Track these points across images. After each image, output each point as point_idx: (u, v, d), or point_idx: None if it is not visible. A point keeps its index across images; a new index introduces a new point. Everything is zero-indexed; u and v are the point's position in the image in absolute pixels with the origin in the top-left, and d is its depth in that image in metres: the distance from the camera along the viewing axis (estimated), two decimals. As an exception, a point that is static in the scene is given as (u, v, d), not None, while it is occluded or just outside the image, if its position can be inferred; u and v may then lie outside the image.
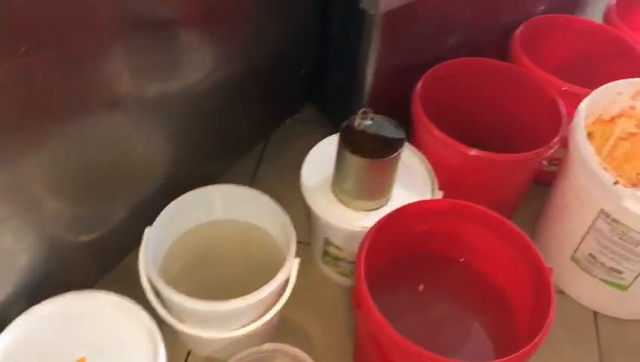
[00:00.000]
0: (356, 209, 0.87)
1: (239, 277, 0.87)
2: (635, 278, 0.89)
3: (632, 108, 1.00)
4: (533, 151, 0.89)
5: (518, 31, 1.10)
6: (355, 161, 0.81)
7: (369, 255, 0.74)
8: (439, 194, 0.89)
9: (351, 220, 0.85)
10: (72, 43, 0.64)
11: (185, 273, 0.86)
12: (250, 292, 0.74)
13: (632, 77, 0.99)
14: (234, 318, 0.77)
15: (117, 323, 0.73)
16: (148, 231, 0.80)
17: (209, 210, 0.88)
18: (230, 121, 1.01)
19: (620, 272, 0.90)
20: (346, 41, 0.99)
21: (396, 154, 0.81)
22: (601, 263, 0.91)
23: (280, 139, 1.18)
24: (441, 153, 0.92)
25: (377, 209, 0.87)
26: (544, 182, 1.05)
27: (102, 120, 0.74)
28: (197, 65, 0.86)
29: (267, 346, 0.78)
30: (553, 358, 0.92)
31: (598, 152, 1.03)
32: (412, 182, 0.91)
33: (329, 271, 0.97)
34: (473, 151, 0.89)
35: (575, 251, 0.94)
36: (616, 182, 0.81)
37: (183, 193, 0.85)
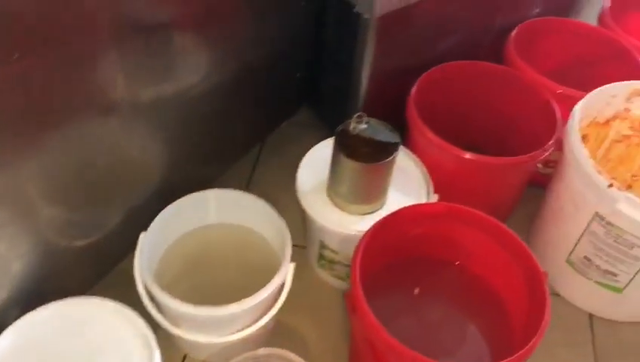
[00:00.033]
0: (351, 213, 0.87)
1: (235, 282, 0.88)
2: (630, 281, 0.89)
3: (627, 110, 1.00)
4: (528, 155, 0.89)
5: (513, 34, 1.10)
6: (350, 165, 0.81)
7: (364, 259, 0.74)
8: (434, 198, 0.90)
9: (346, 224, 0.85)
10: (66, 48, 0.64)
11: (180, 277, 0.86)
12: (246, 297, 0.74)
13: (627, 79, 0.99)
14: (229, 323, 0.77)
15: (112, 328, 0.73)
16: (143, 236, 0.80)
17: (204, 214, 0.88)
18: (226, 125, 1.01)
19: (615, 275, 0.90)
20: (341, 44, 0.99)
21: (391, 158, 0.81)
22: (596, 266, 0.91)
23: (276, 142, 1.18)
24: (437, 156, 0.93)
25: (373, 213, 0.87)
26: (540, 185, 1.05)
27: (97, 124, 0.74)
28: (192, 68, 0.86)
29: (262, 350, 0.78)
30: (549, 361, 0.92)
31: (593, 155, 1.03)
32: (407, 185, 0.91)
33: (325, 275, 0.97)
34: (468, 155, 0.89)
35: (570, 254, 0.94)
36: (610, 185, 0.81)
37: (179, 197, 0.85)
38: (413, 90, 0.97)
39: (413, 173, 0.93)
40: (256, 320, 0.78)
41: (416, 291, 0.86)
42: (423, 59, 1.01)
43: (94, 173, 0.79)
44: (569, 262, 0.95)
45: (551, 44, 1.17)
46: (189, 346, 0.86)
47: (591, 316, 0.99)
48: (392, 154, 0.81)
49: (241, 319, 0.77)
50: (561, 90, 1.00)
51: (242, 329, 0.78)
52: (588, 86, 0.96)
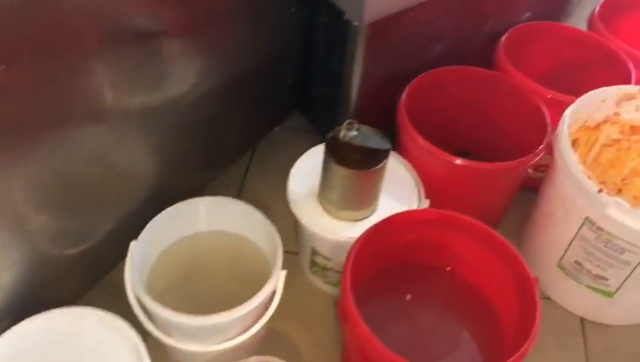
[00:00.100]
0: (343, 219, 0.87)
1: (226, 289, 0.87)
2: (621, 285, 0.90)
3: (617, 114, 1.01)
4: (518, 160, 0.90)
5: (502, 39, 1.10)
6: (340, 172, 0.81)
7: (355, 266, 0.74)
8: (426, 203, 0.90)
9: (338, 231, 0.85)
10: (55, 57, 0.64)
11: (172, 286, 0.86)
12: (238, 304, 0.73)
13: (617, 83, 1.00)
14: (220, 332, 0.77)
15: (102, 338, 0.73)
16: (133, 245, 0.80)
17: (195, 222, 0.88)
18: (217, 131, 1.01)
19: (606, 279, 0.90)
20: (331, 51, 0.99)
21: (382, 165, 0.81)
22: (587, 270, 0.91)
23: (268, 147, 1.18)
24: (427, 162, 0.93)
25: (364, 219, 0.87)
26: (530, 188, 1.05)
27: (87, 133, 0.74)
28: (182, 76, 0.85)
29: (254, 359, 0.78)
30: (541, 365, 0.92)
31: (584, 159, 1.04)
32: (399, 191, 0.91)
33: (317, 281, 0.97)
34: (458, 160, 0.90)
35: (561, 258, 0.94)
36: (600, 191, 0.81)
37: (170, 204, 0.85)
38: (404, 95, 0.97)
39: (404, 178, 0.93)
40: (248, 329, 0.78)
41: (408, 297, 0.86)
42: (413, 65, 1.01)
43: (85, 181, 0.79)
44: (560, 266, 0.95)
45: (541, 48, 1.17)
46: (180, 355, 0.86)
47: (582, 320, 0.99)
48: (382, 161, 0.81)
49: (232, 327, 0.77)
50: (550, 94, 1.00)
51: (234, 337, 0.78)
52: (578, 90, 0.97)
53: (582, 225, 0.87)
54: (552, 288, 1.00)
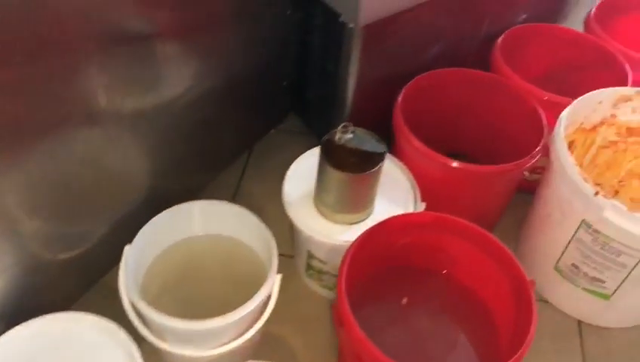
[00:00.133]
0: (338, 222, 0.87)
1: (222, 293, 0.87)
2: (618, 287, 0.89)
3: (613, 116, 1.00)
4: (514, 163, 0.89)
5: (499, 40, 1.10)
6: (336, 176, 0.81)
7: (351, 270, 0.74)
8: (422, 206, 0.89)
9: (333, 234, 0.85)
10: (49, 59, 0.63)
11: (167, 290, 0.86)
12: (234, 308, 0.73)
13: (613, 85, 0.99)
14: (216, 336, 0.76)
15: (96, 343, 0.72)
16: (128, 249, 0.79)
17: (189, 226, 0.87)
18: (212, 134, 1.01)
19: (603, 282, 0.90)
20: (327, 53, 0.99)
21: (377, 168, 0.81)
22: (584, 273, 0.91)
23: (263, 150, 1.18)
24: (423, 165, 0.92)
25: (360, 222, 0.87)
26: (527, 190, 1.05)
27: (81, 135, 0.74)
28: (177, 79, 0.85)
29: (250, 363, 0.78)
30: (537, 368, 0.92)
31: (580, 160, 1.04)
32: (394, 194, 0.91)
33: (313, 284, 0.97)
34: (454, 163, 0.89)
35: (558, 261, 0.94)
36: (596, 193, 0.81)
37: (165, 208, 0.84)
38: (400, 98, 0.97)
39: (400, 181, 0.93)
40: (243, 333, 0.78)
41: (404, 301, 0.86)
42: (409, 68, 1.01)
43: (79, 185, 0.78)
44: (557, 269, 0.95)
45: (537, 50, 1.17)
46: (175, 360, 0.85)
47: (579, 322, 0.99)
48: (378, 164, 0.81)
49: (227, 332, 0.77)
50: (547, 96, 1.00)
51: (229, 341, 0.77)
52: (575, 92, 0.96)
53: (578, 228, 0.87)
54: (549, 291, 1.00)
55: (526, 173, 0.96)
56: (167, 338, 0.76)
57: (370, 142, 0.83)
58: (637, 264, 0.84)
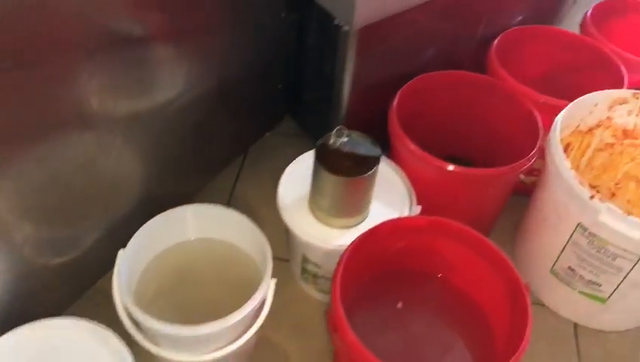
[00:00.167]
0: (334, 226, 0.86)
1: (217, 297, 0.87)
2: (614, 291, 0.89)
3: (609, 118, 1.00)
4: (509, 166, 0.89)
5: (495, 43, 1.10)
6: (330, 180, 0.81)
7: (346, 274, 0.73)
8: (417, 209, 0.89)
9: (328, 238, 0.85)
10: (42, 64, 0.63)
11: (161, 294, 0.85)
12: (229, 312, 0.73)
13: (609, 86, 0.99)
14: (210, 341, 0.76)
15: (89, 350, 0.72)
16: (122, 254, 0.79)
17: (183, 230, 0.87)
18: (207, 137, 1.00)
19: (599, 285, 0.90)
20: (322, 56, 0.98)
21: (372, 171, 0.80)
22: (580, 276, 0.91)
23: (259, 152, 1.17)
24: (419, 168, 0.92)
25: (355, 226, 0.87)
26: (523, 193, 1.05)
27: (74, 140, 0.73)
28: (172, 82, 0.85)
29: (245, 368, 0.78)
30: (534, 371, 0.92)
31: (577, 163, 1.03)
32: (390, 197, 0.90)
33: (308, 288, 0.97)
34: (450, 166, 0.89)
35: (554, 264, 0.94)
36: (592, 197, 0.81)
37: (160, 212, 0.84)
38: (395, 100, 0.96)
39: (395, 184, 0.92)
40: (238, 337, 0.77)
41: (400, 305, 0.86)
42: (405, 70, 1.01)
43: (71, 189, 0.78)
44: (553, 272, 0.95)
45: (533, 52, 1.17)
46: (170, 364, 0.85)
47: (576, 325, 0.98)
48: (373, 167, 0.80)
49: (222, 337, 0.76)
50: (543, 99, 1.00)
51: (224, 346, 0.77)
52: (571, 94, 0.96)
53: (574, 231, 0.87)
54: (546, 294, 0.99)
55: (522, 176, 0.95)
56: (162, 344, 0.76)
57: (365, 146, 0.82)
58: (633, 267, 0.84)
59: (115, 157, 0.82)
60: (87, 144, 0.76)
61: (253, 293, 0.75)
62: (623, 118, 1.00)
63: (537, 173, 1.00)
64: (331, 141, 0.81)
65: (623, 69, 1.08)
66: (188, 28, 0.82)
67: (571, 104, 0.94)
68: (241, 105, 1.05)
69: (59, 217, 0.78)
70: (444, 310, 0.86)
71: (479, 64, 1.09)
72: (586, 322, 0.98)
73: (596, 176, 1.06)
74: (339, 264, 0.74)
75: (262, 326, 0.79)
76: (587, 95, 0.96)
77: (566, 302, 0.97)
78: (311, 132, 1.15)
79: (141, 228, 0.81)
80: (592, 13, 1.20)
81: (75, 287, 0.89)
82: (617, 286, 0.88)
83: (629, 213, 0.79)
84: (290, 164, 0.92)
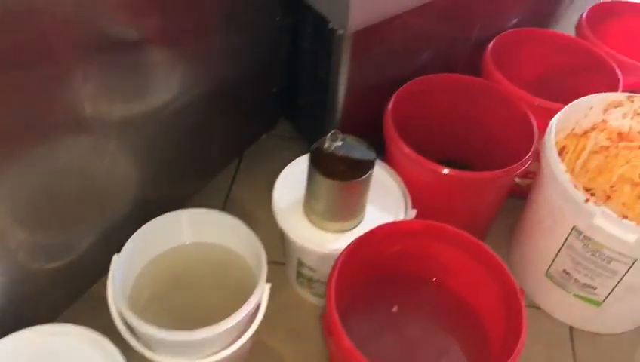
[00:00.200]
0: (329, 230, 0.86)
1: (212, 301, 0.86)
2: (609, 294, 0.89)
3: (604, 121, 1.00)
4: (504, 169, 0.89)
5: (490, 45, 1.09)
6: (325, 184, 0.80)
7: (341, 278, 0.73)
8: (412, 213, 0.89)
9: (323, 242, 0.85)
10: (35, 68, 0.63)
11: (156, 298, 0.85)
12: (224, 316, 0.73)
13: (604, 89, 0.99)
14: (205, 346, 0.76)
15: (83, 356, 0.72)
16: (116, 258, 0.79)
17: (178, 234, 0.87)
18: (202, 141, 1.00)
19: (594, 288, 0.90)
20: (317, 59, 0.98)
21: (367, 175, 0.80)
22: (575, 279, 0.91)
23: (254, 155, 1.17)
24: (414, 171, 0.92)
25: (350, 230, 0.87)
26: (518, 195, 1.05)
27: (68, 144, 0.73)
28: (166, 86, 0.85)
29: (240, 372, 0.78)
30: (530, 374, 0.92)
31: (572, 166, 1.04)
32: (385, 201, 0.90)
33: (304, 292, 0.96)
34: (445, 170, 0.89)
35: (549, 267, 0.94)
36: (587, 200, 0.81)
37: (155, 216, 0.84)
38: (390, 104, 0.96)
39: (391, 188, 0.92)
40: (233, 342, 0.77)
41: (395, 309, 0.86)
42: (400, 73, 1.00)
43: (66, 194, 0.78)
44: (548, 275, 0.95)
45: (529, 55, 1.17)
46: (165, 369, 0.85)
47: (571, 329, 0.98)
48: (367, 171, 0.80)
49: (217, 341, 0.76)
50: (538, 102, 1.00)
51: (219, 351, 0.77)
52: (566, 96, 0.96)
53: (569, 235, 0.87)
54: (541, 297, 0.99)
55: (517, 179, 0.96)
56: (156, 349, 0.76)
57: (359, 150, 0.82)
58: (628, 270, 0.84)
59: (109, 160, 0.82)
60: (81, 147, 0.75)
61: (248, 298, 0.75)
62: (618, 120, 1.00)
63: (533, 175, 1.00)
64: (326, 145, 0.81)
65: (618, 71, 1.08)
66: (183, 32, 0.82)
67: (566, 107, 0.95)
68: (236, 108, 1.05)
69: (53, 221, 0.78)
70: (440, 314, 0.86)
71: (474, 67, 1.09)
72: (582, 325, 0.98)
73: (591, 179, 1.07)
74: (334, 268, 0.74)
75: (257, 331, 0.79)
76: (582, 98, 0.96)
77: (561, 305, 0.97)
78: (306, 134, 1.15)
79: (136, 233, 0.81)
80: (587, 16, 1.20)
81: (69, 292, 0.89)
82: (612, 290, 0.88)
83: (624, 216, 0.79)
84: (285, 168, 0.92)
